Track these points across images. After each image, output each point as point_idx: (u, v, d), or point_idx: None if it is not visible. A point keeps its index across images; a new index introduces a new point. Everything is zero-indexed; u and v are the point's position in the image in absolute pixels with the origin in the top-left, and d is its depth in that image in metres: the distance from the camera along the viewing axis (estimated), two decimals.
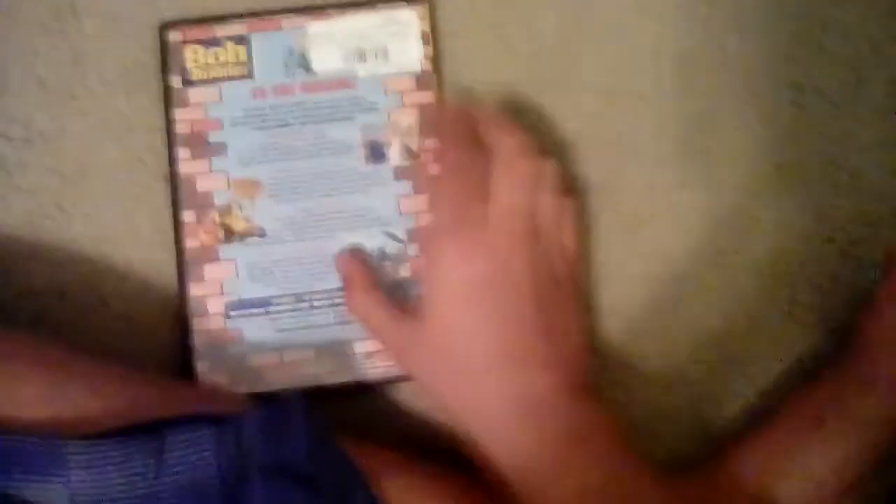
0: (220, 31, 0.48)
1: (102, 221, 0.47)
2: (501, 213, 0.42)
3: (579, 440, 0.41)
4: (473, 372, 0.41)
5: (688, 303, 0.49)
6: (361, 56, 0.48)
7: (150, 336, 0.47)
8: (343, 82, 0.48)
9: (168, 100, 0.47)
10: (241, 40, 0.48)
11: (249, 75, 0.48)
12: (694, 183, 0.49)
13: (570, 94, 0.49)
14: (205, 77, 0.47)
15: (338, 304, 0.47)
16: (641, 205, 0.49)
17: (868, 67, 0.50)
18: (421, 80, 0.48)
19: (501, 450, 0.41)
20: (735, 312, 0.49)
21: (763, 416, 0.47)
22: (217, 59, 0.47)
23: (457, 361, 0.42)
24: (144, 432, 0.37)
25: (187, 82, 0.47)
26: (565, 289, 0.43)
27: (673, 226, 0.49)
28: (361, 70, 0.48)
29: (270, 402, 0.41)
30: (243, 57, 0.48)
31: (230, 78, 0.47)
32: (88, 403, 0.38)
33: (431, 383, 0.43)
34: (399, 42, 0.48)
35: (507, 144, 0.43)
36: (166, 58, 0.47)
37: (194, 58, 0.47)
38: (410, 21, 0.48)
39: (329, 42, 0.48)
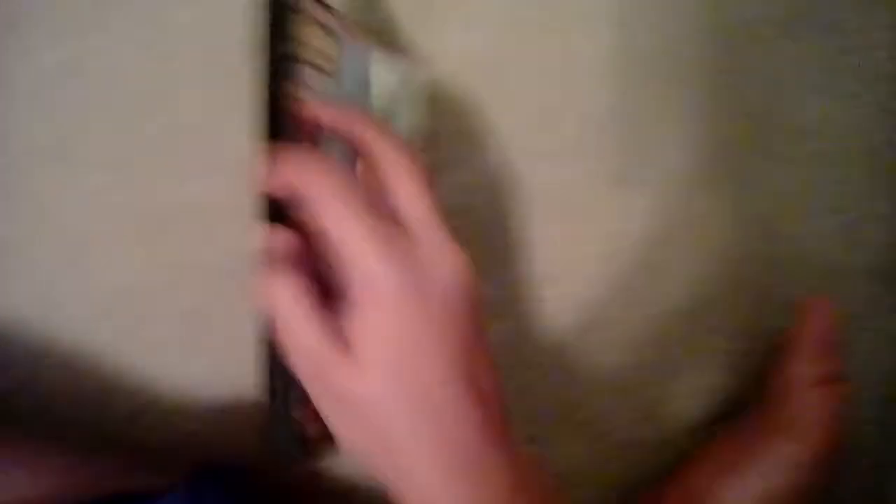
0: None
1: None
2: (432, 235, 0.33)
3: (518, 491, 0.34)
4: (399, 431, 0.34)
5: (607, 349, 0.50)
6: None
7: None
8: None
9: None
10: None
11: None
12: (608, 235, 0.50)
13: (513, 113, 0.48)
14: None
15: None
16: (553, 260, 0.49)
17: (774, 116, 0.51)
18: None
19: None
20: (655, 359, 0.50)
21: (681, 461, 0.49)
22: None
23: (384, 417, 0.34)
24: None
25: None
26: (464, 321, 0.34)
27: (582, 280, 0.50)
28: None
29: (192, 477, 0.41)
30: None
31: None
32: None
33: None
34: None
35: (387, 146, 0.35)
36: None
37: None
38: None
39: None
